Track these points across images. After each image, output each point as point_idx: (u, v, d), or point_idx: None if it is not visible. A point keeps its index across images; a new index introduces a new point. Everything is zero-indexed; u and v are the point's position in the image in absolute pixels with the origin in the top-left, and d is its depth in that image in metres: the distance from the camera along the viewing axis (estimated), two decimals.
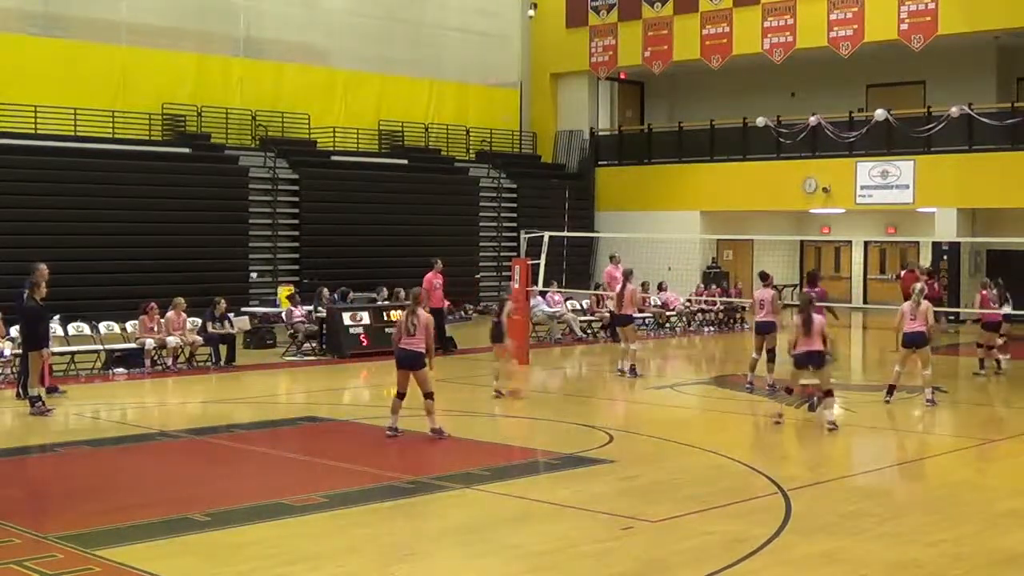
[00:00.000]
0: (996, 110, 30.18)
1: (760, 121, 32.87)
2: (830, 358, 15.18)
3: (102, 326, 20.24)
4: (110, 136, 27.61)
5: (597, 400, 17.90)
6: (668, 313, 27.99)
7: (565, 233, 29.95)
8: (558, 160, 37.37)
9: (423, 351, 13.20)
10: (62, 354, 18.76)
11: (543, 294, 24.93)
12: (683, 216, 33.35)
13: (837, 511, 10.01)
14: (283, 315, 23.52)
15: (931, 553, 8.72)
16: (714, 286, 30.37)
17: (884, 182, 30.92)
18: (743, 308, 27.93)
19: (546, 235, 22.91)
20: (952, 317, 27.75)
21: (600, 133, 37.36)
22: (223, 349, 20.66)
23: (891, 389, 16.14)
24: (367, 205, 30.58)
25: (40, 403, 15.29)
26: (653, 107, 39.03)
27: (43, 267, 16.00)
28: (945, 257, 29.88)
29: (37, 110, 26.52)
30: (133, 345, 19.83)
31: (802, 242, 34.95)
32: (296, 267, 29.45)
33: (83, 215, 25.52)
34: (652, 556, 8.63)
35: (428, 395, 13.24)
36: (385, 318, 22.40)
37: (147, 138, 28.59)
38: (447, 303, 24.24)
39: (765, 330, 17.49)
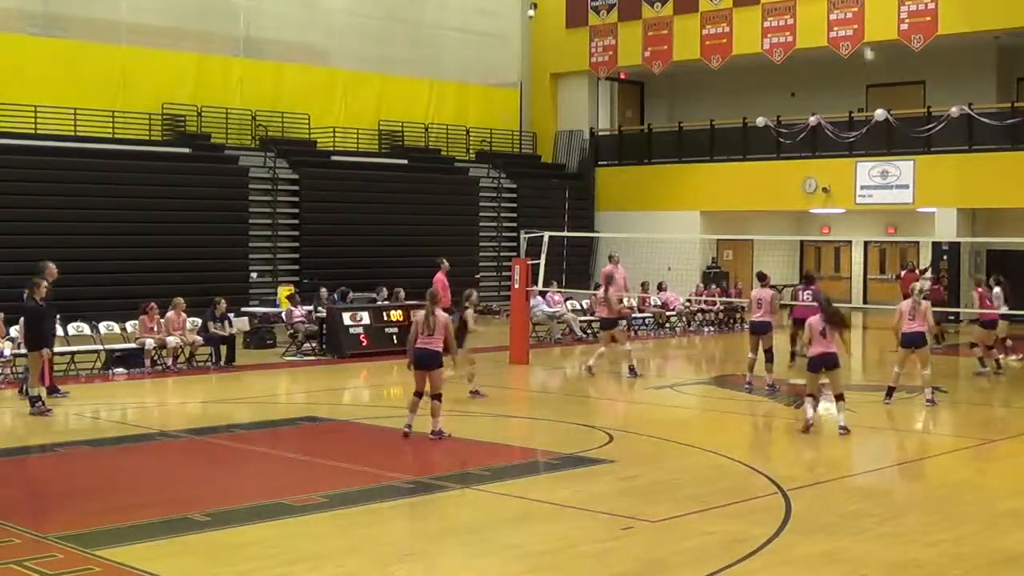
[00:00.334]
0: (996, 110, 30.17)
1: (760, 121, 32.86)
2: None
3: (102, 326, 20.25)
4: (110, 136, 27.60)
5: (597, 400, 17.89)
6: (668, 313, 28.01)
7: (565, 233, 29.93)
8: (558, 160, 37.36)
9: (440, 351, 13.23)
10: (62, 354, 18.73)
11: (543, 294, 24.94)
12: (683, 216, 33.33)
13: (837, 511, 10.01)
14: (283, 315, 23.51)
15: (931, 553, 8.72)
16: (714, 286, 30.39)
17: (884, 182, 30.91)
18: (743, 308, 27.90)
19: (546, 235, 22.88)
20: (952, 317, 27.73)
21: (600, 133, 37.34)
22: (223, 349, 20.67)
23: (890, 391, 16.11)
24: (367, 205, 30.56)
25: (40, 403, 15.28)
26: (653, 107, 39.01)
27: (52, 266, 16.01)
28: (945, 257, 29.86)
29: (37, 110, 26.51)
30: (133, 345, 19.84)
31: (802, 242, 34.94)
32: (296, 267, 29.42)
33: (83, 215, 25.50)
34: (652, 556, 8.63)
35: (436, 396, 13.26)
36: (385, 318, 22.42)
37: (147, 138, 28.56)
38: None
39: (760, 330, 17.51)
